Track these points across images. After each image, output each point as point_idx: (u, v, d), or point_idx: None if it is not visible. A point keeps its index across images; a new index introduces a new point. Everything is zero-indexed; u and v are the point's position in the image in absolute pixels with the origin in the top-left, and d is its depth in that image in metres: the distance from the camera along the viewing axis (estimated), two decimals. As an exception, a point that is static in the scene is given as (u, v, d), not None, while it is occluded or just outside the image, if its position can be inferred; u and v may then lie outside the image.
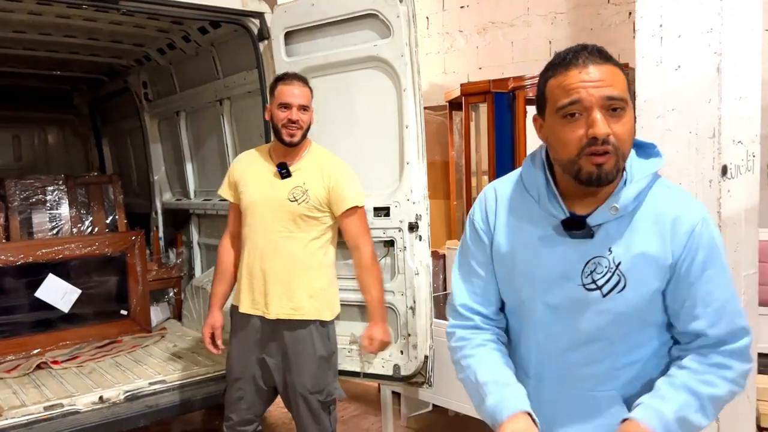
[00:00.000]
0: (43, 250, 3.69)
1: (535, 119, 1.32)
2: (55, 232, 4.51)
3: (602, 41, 2.74)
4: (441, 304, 3.76)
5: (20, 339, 3.54)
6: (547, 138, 1.26)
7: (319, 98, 3.17)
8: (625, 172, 1.23)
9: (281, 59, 3.20)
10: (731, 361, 1.21)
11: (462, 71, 5.27)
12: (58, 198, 4.64)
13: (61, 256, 3.74)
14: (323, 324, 2.65)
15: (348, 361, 3.09)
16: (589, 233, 1.23)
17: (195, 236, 4.56)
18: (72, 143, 5.72)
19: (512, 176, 1.40)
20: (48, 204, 4.60)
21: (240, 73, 3.76)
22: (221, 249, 2.80)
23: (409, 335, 2.94)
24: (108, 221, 4.72)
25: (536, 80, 3.88)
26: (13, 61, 4.45)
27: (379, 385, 3.51)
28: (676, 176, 2.54)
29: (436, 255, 3.98)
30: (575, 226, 1.23)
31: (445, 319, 3.17)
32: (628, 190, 1.22)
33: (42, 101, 5.42)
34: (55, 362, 3.41)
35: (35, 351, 3.52)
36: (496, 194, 1.38)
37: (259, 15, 3.30)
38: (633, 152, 1.25)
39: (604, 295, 1.23)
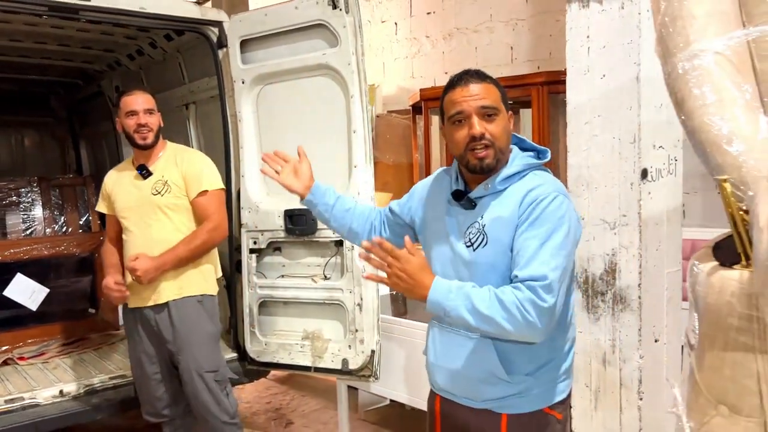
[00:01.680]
0: (12, 250, 3.81)
1: (441, 127, 1.72)
2: (28, 232, 4.64)
3: (560, 47, 2.89)
4: (399, 301, 3.91)
5: (-12, 336, 3.67)
6: (447, 141, 1.67)
7: (271, 104, 3.33)
8: (508, 163, 1.62)
9: (237, 66, 3.33)
10: (525, 288, 1.44)
11: (429, 75, 5.41)
12: (32, 199, 4.77)
13: (29, 255, 3.86)
14: (211, 299, 2.82)
15: (300, 356, 3.23)
16: (470, 204, 1.62)
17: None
18: (49, 146, 5.83)
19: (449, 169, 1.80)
20: (21, 205, 4.73)
21: (204, 79, 3.89)
22: (104, 250, 2.95)
23: (357, 331, 3.08)
24: (81, 222, 4.85)
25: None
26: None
27: (337, 382, 3.64)
28: (601, 178, 2.69)
29: (394, 254, 4.11)
30: (459, 197, 1.64)
31: (395, 315, 3.30)
32: (501, 173, 1.60)
33: (19, 105, 5.52)
34: (21, 358, 3.54)
35: (3, 348, 3.64)
36: (432, 180, 1.83)
37: (218, 24, 3.43)
38: (518, 150, 1.66)
39: (474, 250, 1.58)
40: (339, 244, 3.14)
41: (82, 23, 3.48)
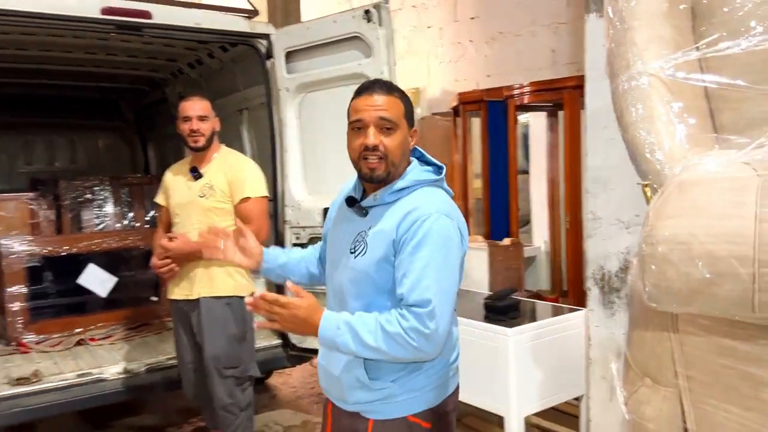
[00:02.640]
0: (86, 243, 4.23)
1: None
2: (101, 227, 5.10)
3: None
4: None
5: (64, 319, 4.10)
6: (347, 145, 1.67)
7: (312, 110, 3.61)
8: (402, 176, 1.64)
9: (282, 75, 3.63)
10: (411, 316, 1.50)
11: (472, 78, 5.58)
12: (104, 197, 5.23)
13: (101, 248, 4.27)
14: (239, 300, 2.94)
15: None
16: (362, 212, 1.66)
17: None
18: (120, 147, 6.33)
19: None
20: (95, 202, 5.20)
21: (255, 87, 4.20)
22: (155, 236, 3.18)
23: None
24: (147, 218, 5.27)
25: (527, 89, 4.17)
26: (68, 75, 5.05)
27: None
28: (617, 180, 2.81)
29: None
30: (350, 203, 1.69)
31: None
32: (392, 186, 1.63)
33: (95, 110, 6.03)
34: (92, 339, 3.95)
35: (77, 330, 4.06)
36: (342, 188, 1.85)
37: (266, 36, 3.73)
38: (418, 164, 1.68)
39: (355, 258, 1.63)
40: (372, 240, 3.37)
41: (147, 37, 3.86)
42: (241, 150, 4.55)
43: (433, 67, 5.93)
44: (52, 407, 3.14)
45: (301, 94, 3.61)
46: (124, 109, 6.23)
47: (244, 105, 4.43)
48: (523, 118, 4.95)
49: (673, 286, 1.05)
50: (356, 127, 1.61)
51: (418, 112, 5.80)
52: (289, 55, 3.60)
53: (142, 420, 3.93)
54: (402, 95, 1.65)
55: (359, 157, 1.60)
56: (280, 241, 3.71)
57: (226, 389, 2.94)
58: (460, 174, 4.77)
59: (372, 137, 1.57)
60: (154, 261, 2.98)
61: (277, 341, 3.77)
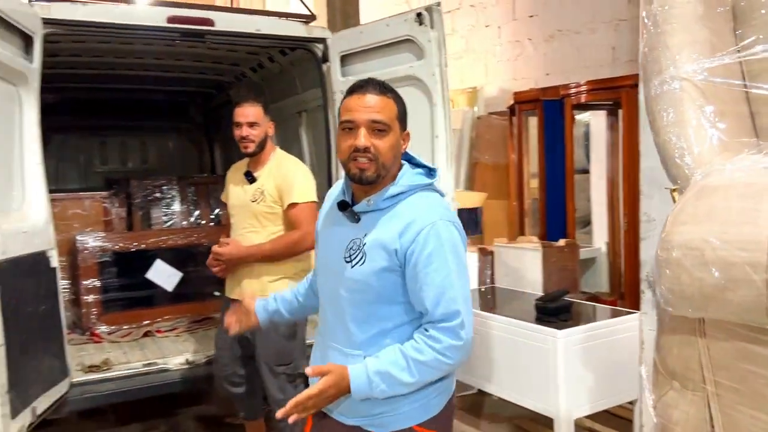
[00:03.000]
0: (154, 239, 4.47)
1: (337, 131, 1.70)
2: (168, 224, 5.36)
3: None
4: (488, 297, 4.12)
5: (133, 312, 4.35)
6: (336, 145, 1.68)
7: (367, 112, 3.67)
8: (395, 180, 1.62)
9: (337, 78, 3.72)
10: (442, 335, 1.50)
11: (530, 77, 5.53)
12: (172, 196, 5.49)
13: (168, 244, 4.50)
14: None
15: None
16: (354, 217, 1.62)
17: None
18: (188, 148, 6.60)
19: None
20: (163, 201, 5.47)
21: (312, 90, 4.30)
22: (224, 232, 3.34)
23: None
24: (212, 216, 5.50)
25: (584, 87, 4.11)
26: (140, 80, 5.32)
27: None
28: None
29: (484, 251, 4.33)
30: (343, 207, 1.63)
31: (483, 310, 3.49)
32: (386, 191, 1.59)
33: (165, 113, 6.32)
34: (158, 331, 4.17)
35: (144, 322, 4.30)
36: (332, 189, 1.83)
37: (323, 40, 3.82)
38: (409, 168, 1.66)
39: (352, 267, 1.59)
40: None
41: (210, 43, 4.03)
42: (300, 151, 4.70)
43: (491, 66, 5.90)
44: (120, 394, 3.35)
45: (356, 96, 3.69)
46: (193, 112, 6.50)
47: (303, 107, 4.55)
48: (584, 116, 4.87)
49: (686, 290, 1.05)
50: (347, 127, 1.57)
51: (475, 111, 5.79)
52: (344, 59, 3.69)
53: (206, 410, 4.11)
54: (396, 96, 1.63)
55: (348, 158, 1.56)
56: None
57: (279, 386, 3.03)
58: (516, 174, 4.74)
59: (363, 139, 1.53)
60: (209, 261, 3.12)
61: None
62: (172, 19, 3.44)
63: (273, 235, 3.04)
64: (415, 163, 1.70)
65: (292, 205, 3.00)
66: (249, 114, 3.04)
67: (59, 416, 3.37)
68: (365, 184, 1.58)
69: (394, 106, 1.61)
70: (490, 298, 4.08)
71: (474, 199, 4.97)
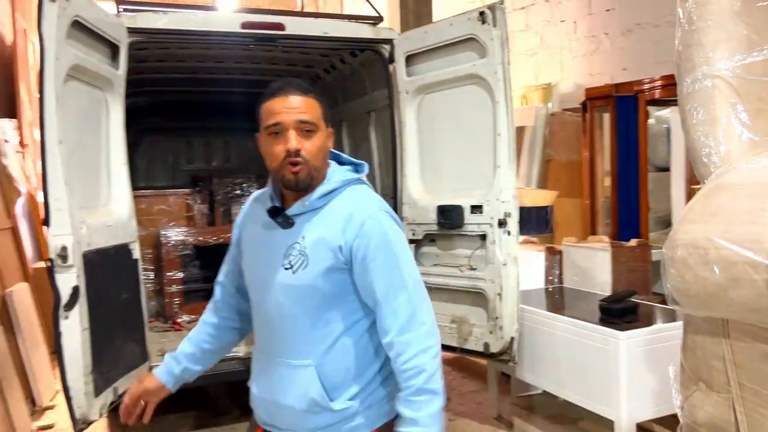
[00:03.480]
0: (231, 234, 4.70)
1: (256, 137, 1.61)
2: (246, 220, 5.62)
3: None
4: (555, 297, 4.07)
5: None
6: (262, 152, 1.58)
7: (430, 111, 3.73)
8: (326, 179, 1.58)
9: (402, 78, 3.78)
10: (408, 336, 1.50)
11: (606, 72, 5.38)
12: (251, 193, 5.74)
13: (244, 239, 4.73)
14: None
15: (448, 337, 3.59)
16: (288, 222, 1.56)
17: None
18: (267, 147, 6.87)
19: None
20: (243, 198, 5.73)
21: (380, 90, 4.40)
22: None
23: (497, 318, 3.35)
24: (288, 213, 5.71)
25: (658, 83, 4.00)
26: (221, 83, 5.60)
27: (487, 365, 3.93)
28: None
29: (552, 251, 4.27)
30: (276, 213, 1.57)
31: (550, 310, 3.46)
32: (317, 191, 1.55)
33: (246, 114, 6.59)
34: (233, 321, 4.39)
35: (222, 312, 4.53)
36: (250, 202, 1.76)
37: (389, 41, 3.90)
38: (337, 165, 1.62)
39: (294, 273, 1.53)
40: (483, 237, 3.43)
41: (283, 47, 4.20)
42: (368, 150, 4.81)
43: (566, 62, 5.79)
44: (196, 379, 3.56)
45: (420, 95, 3.75)
46: (272, 112, 6.75)
47: (372, 107, 4.65)
48: (664, 113, 4.70)
49: (691, 289, 1.03)
50: (274, 131, 1.51)
51: (549, 107, 5.70)
52: (409, 59, 3.75)
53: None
54: (317, 95, 1.58)
55: (282, 163, 1.50)
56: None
57: None
58: (587, 172, 4.64)
59: (294, 141, 1.49)
60: None
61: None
62: (245, 25, 3.61)
63: None
64: (340, 161, 1.68)
65: None
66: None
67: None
68: (301, 189, 1.54)
69: (318, 105, 1.56)
70: (557, 299, 4.03)
71: (544, 197, 4.90)
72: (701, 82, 1.24)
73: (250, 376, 1.71)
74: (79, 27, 2.85)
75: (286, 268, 1.54)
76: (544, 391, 3.93)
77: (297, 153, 1.49)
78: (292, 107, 1.50)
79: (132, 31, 3.35)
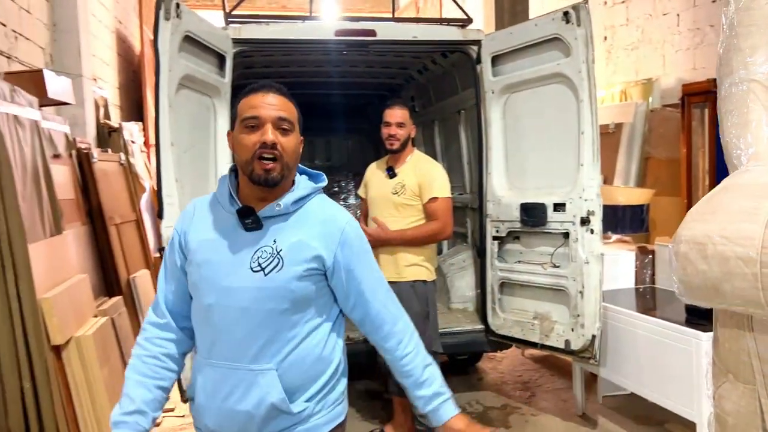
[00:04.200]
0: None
1: (228, 134, 1.61)
2: (343, 216, 5.91)
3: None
4: (646, 297, 4.00)
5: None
6: (233, 146, 1.56)
7: (515, 110, 3.80)
8: (293, 185, 1.57)
9: (488, 78, 3.87)
10: (398, 327, 1.62)
11: (711, 66, 5.14)
12: (349, 189, 6.04)
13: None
14: (423, 284, 3.29)
15: (530, 333, 3.65)
16: (258, 224, 1.52)
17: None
18: (366, 147, 7.13)
19: (211, 194, 1.66)
20: (342, 194, 6.04)
21: (470, 89, 4.49)
22: (360, 221, 3.60)
23: (578, 315, 3.38)
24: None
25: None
26: (322, 86, 5.91)
27: (572, 364, 3.92)
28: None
29: (645, 250, 4.19)
30: (247, 214, 1.51)
31: (640, 311, 3.43)
32: (291, 195, 1.54)
33: (346, 115, 6.90)
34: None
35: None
36: (195, 206, 1.64)
37: (477, 42, 4.00)
38: (301, 176, 1.62)
39: (266, 275, 1.49)
40: (566, 235, 3.46)
41: (375, 52, 4.40)
42: (458, 147, 4.93)
43: (669, 56, 5.59)
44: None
45: (505, 95, 3.82)
46: (370, 113, 7.00)
47: (461, 106, 4.77)
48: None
49: (692, 281, 1.08)
50: (251, 124, 1.50)
51: (649, 103, 5.54)
52: (495, 59, 3.83)
53: (368, 384, 4.51)
54: (293, 100, 1.57)
55: (253, 156, 1.48)
56: (482, 234, 3.97)
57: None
58: (685, 169, 4.50)
59: (271, 134, 1.48)
60: None
61: (480, 326, 4.05)
62: (339, 32, 3.85)
63: (409, 225, 3.33)
64: (300, 171, 1.66)
65: (433, 199, 3.30)
66: (398, 115, 3.38)
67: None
68: (270, 186, 1.51)
69: (295, 109, 1.57)
70: (647, 299, 3.95)
71: (639, 196, 4.79)
72: (738, 86, 1.27)
73: (192, 384, 1.60)
74: (190, 41, 3.19)
75: (255, 271, 1.50)
76: (632, 393, 3.89)
77: (273, 146, 1.48)
78: (271, 104, 1.51)
79: (237, 41, 3.67)
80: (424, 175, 3.34)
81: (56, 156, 3.71)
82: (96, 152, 4.39)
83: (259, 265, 1.50)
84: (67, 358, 3.05)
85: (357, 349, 3.90)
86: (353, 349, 3.85)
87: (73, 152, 4.11)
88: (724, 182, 1.15)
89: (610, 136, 5.54)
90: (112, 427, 1.51)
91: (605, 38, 6.35)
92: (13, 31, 4.30)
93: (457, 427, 1.55)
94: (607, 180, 5.60)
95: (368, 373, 4.45)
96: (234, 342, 1.51)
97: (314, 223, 1.55)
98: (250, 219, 1.51)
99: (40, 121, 3.46)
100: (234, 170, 1.61)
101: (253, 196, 1.54)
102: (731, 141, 1.25)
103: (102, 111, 5.63)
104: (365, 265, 1.59)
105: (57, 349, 3.00)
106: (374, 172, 3.62)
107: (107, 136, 5.40)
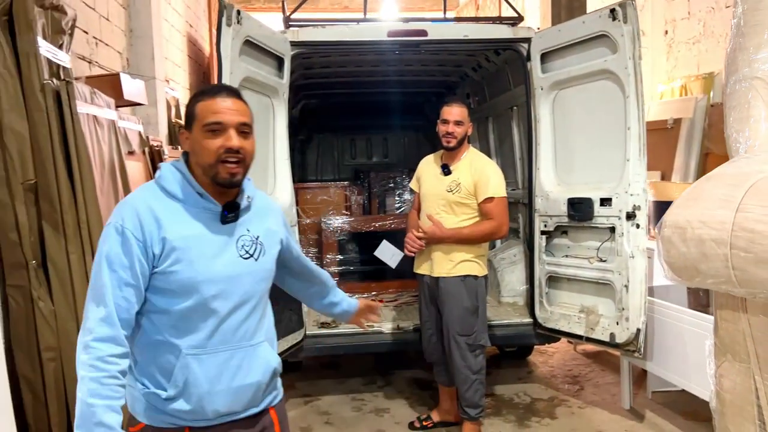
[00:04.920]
0: (382, 222, 5.16)
1: (182, 133, 1.69)
2: (399, 210, 6.07)
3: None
4: (699, 293, 3.98)
5: (364, 283, 5.10)
6: (193, 147, 1.63)
7: (563, 106, 3.85)
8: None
9: (537, 75, 3.94)
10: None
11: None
12: (403, 186, 6.18)
13: (395, 227, 5.15)
14: (474, 279, 3.38)
15: (576, 326, 3.71)
16: (236, 216, 1.67)
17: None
18: (422, 143, 7.26)
19: (148, 191, 1.65)
20: (396, 190, 6.20)
21: (521, 86, 4.54)
22: (409, 215, 3.78)
23: (623, 309, 3.41)
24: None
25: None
26: (379, 85, 6.08)
27: (620, 358, 3.94)
28: None
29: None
30: (231, 209, 1.65)
31: (692, 307, 3.43)
32: (251, 189, 1.72)
33: (403, 113, 7.05)
34: (381, 301, 4.84)
35: (372, 293, 5.01)
36: (148, 209, 1.59)
37: (527, 40, 4.07)
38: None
39: (256, 260, 1.68)
40: (612, 230, 3.50)
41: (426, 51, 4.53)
42: (511, 144, 5.00)
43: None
44: (342, 347, 4.05)
45: (554, 91, 3.88)
46: (427, 110, 7.13)
47: (513, 103, 4.83)
48: None
49: (675, 263, 1.16)
50: (213, 129, 1.58)
51: (710, 98, 5.44)
52: (544, 56, 3.90)
53: (417, 374, 4.67)
54: (246, 103, 1.68)
55: (217, 159, 1.58)
56: (530, 229, 4.04)
57: (460, 354, 3.41)
58: None
59: (236, 140, 1.58)
60: (410, 239, 3.55)
61: (528, 319, 4.12)
62: (391, 33, 4.00)
63: (461, 223, 3.41)
64: None
65: (489, 199, 3.35)
66: (456, 113, 3.46)
67: (297, 359, 4.24)
68: (235, 186, 1.65)
69: (251, 113, 1.68)
70: (701, 295, 3.93)
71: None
72: (741, 84, 1.34)
73: (195, 382, 1.61)
74: (250, 45, 3.42)
75: (245, 258, 1.66)
76: (683, 389, 3.87)
77: (238, 150, 1.59)
78: (232, 109, 1.60)
79: (295, 44, 3.88)
80: (479, 174, 3.38)
81: (131, 153, 4.04)
82: (167, 149, 4.72)
83: (246, 251, 1.67)
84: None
85: (407, 339, 4.09)
86: (403, 338, 4.10)
87: (146, 149, 4.44)
88: (711, 172, 1.23)
89: (668, 132, 5.47)
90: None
91: (666, 32, 6.24)
92: (94, 37, 4.68)
93: (362, 305, 2.18)
94: (665, 176, 5.54)
95: (418, 363, 4.62)
96: (236, 325, 1.64)
97: (268, 211, 1.79)
98: (233, 213, 1.65)
99: (117, 120, 3.78)
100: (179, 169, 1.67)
101: (212, 190, 1.64)
102: (732, 135, 1.33)
103: (173, 110, 6.00)
104: (293, 235, 2.00)
105: (130, 329, 3.29)
106: (428, 167, 3.68)
107: (178, 134, 5.75)
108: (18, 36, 2.96)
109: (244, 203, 1.68)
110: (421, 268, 3.59)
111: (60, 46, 3.31)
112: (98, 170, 3.32)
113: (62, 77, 3.21)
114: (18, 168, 2.92)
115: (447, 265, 3.43)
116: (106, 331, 1.50)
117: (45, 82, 2.97)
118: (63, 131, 3.03)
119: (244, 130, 1.62)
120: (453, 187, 3.43)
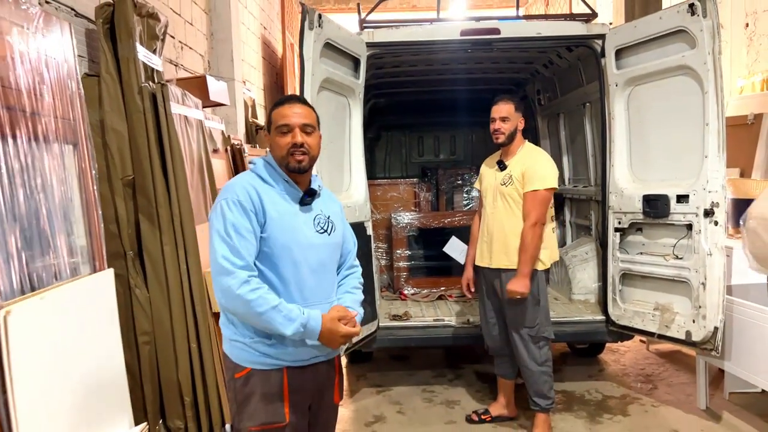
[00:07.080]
0: (450, 219, 5.23)
1: (265, 135, 2.17)
2: (467, 207, 6.12)
3: None
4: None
5: (432, 278, 5.18)
6: (271, 145, 2.09)
7: (639, 102, 3.83)
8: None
9: (612, 71, 3.93)
10: (356, 265, 2.30)
11: None
12: (471, 183, 6.23)
13: (462, 223, 5.22)
14: (534, 273, 3.38)
15: (650, 324, 3.69)
16: (310, 200, 2.10)
17: (567, 216, 5.52)
18: (490, 141, 7.22)
19: (248, 176, 2.08)
20: (465, 187, 6.25)
21: (594, 83, 4.52)
22: (473, 223, 3.80)
23: (700, 307, 3.37)
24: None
25: None
26: (448, 83, 6.14)
27: (696, 357, 3.88)
28: None
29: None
30: (311, 194, 2.10)
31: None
32: (320, 180, 2.20)
33: (470, 110, 7.07)
34: (449, 296, 4.92)
35: (441, 288, 5.09)
36: (253, 187, 2.02)
37: (602, 36, 4.05)
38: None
39: (329, 235, 2.11)
40: (689, 227, 3.46)
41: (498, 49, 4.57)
42: (584, 140, 4.97)
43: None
44: (413, 339, 4.16)
45: (629, 87, 3.85)
46: (495, 107, 7.13)
47: (586, 99, 4.81)
48: None
49: (760, 253, 1.19)
50: (283, 131, 2.04)
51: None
52: (619, 52, 3.88)
53: (484, 368, 4.72)
54: (314, 108, 2.13)
55: (287, 153, 2.03)
56: (605, 226, 4.02)
57: (524, 345, 3.45)
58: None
59: (299, 137, 2.03)
60: (462, 281, 3.79)
61: (600, 317, 4.11)
62: (464, 32, 4.08)
63: (516, 213, 3.44)
64: None
65: (531, 191, 3.37)
66: (501, 110, 3.52)
67: (370, 350, 4.37)
68: (302, 172, 2.07)
69: (316, 116, 2.12)
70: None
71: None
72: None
73: (307, 315, 1.99)
74: (329, 47, 3.57)
75: (321, 233, 2.10)
76: (764, 391, 3.78)
77: (302, 144, 2.03)
78: (297, 113, 2.06)
79: (370, 45, 4.01)
80: (529, 167, 3.42)
81: (215, 151, 4.26)
82: (246, 147, 4.94)
83: (322, 228, 2.10)
84: (225, 324, 3.55)
85: (476, 333, 4.15)
86: (470, 332, 4.16)
87: (228, 147, 4.67)
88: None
89: (748, 128, 5.30)
90: (308, 321, 1.96)
91: (747, 25, 6.04)
92: (180, 42, 4.95)
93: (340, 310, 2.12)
94: (745, 173, 5.37)
95: (486, 357, 4.68)
96: (316, 286, 2.05)
97: (332, 200, 2.24)
98: (312, 197, 2.10)
99: (204, 120, 4.00)
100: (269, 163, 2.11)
101: (296, 179, 2.09)
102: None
103: (250, 110, 6.25)
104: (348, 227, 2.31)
105: (217, 316, 3.49)
106: (487, 166, 3.76)
107: (255, 133, 6.00)
108: (119, 42, 3.20)
109: (316, 188, 2.12)
110: (482, 260, 3.64)
111: (154, 51, 3.55)
112: (188, 167, 3.53)
113: (156, 80, 3.44)
114: (118, 165, 3.16)
115: (506, 257, 3.47)
116: (240, 264, 1.91)
117: (143, 85, 3.20)
118: (158, 131, 3.25)
119: (307, 129, 2.05)
120: (506, 180, 3.49)
